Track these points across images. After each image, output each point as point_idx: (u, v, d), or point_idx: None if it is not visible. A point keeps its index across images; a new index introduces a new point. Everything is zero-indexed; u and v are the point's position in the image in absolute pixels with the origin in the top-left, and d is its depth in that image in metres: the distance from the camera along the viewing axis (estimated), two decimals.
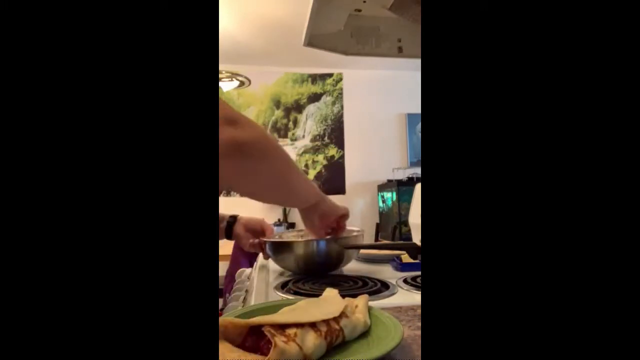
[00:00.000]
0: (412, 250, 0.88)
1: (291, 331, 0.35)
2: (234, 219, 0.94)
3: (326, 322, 0.38)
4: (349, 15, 0.96)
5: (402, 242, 1.70)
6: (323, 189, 3.42)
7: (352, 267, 0.92)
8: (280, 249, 0.80)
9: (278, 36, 2.86)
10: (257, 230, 0.93)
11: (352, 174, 3.52)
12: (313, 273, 0.75)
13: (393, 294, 0.61)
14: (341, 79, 3.59)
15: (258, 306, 0.47)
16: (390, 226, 2.93)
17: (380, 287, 0.64)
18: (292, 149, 3.50)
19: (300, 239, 0.87)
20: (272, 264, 0.91)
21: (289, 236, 1.04)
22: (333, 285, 0.62)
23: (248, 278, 0.94)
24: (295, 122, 3.53)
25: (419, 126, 3.53)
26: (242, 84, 2.89)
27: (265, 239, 0.85)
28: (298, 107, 3.54)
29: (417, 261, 0.85)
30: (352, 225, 0.89)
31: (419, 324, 0.46)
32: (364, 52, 1.08)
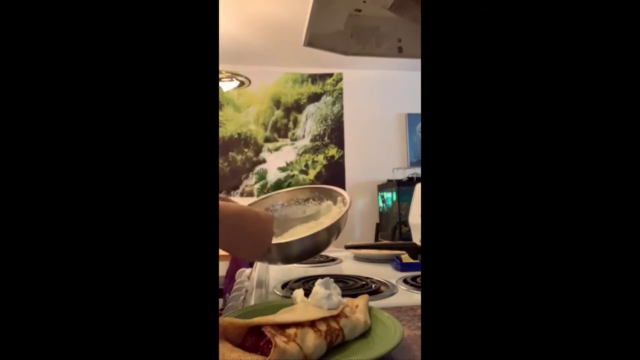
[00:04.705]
0: (412, 250, 0.88)
1: (291, 331, 0.35)
2: None
3: (326, 322, 0.38)
4: (349, 15, 0.96)
5: (402, 242, 1.71)
6: None
7: (352, 267, 0.92)
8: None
9: (278, 36, 2.85)
10: None
11: (352, 174, 3.52)
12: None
13: (393, 294, 0.61)
14: (341, 79, 3.59)
15: (258, 306, 0.47)
16: (390, 226, 2.93)
17: (380, 287, 0.64)
18: (292, 149, 3.50)
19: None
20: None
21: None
22: None
23: (248, 278, 0.94)
24: (295, 122, 3.53)
25: (419, 126, 3.53)
26: (242, 84, 2.89)
27: None
28: (298, 107, 3.54)
29: (417, 261, 0.85)
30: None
31: (419, 324, 0.46)
32: (364, 52, 1.08)
